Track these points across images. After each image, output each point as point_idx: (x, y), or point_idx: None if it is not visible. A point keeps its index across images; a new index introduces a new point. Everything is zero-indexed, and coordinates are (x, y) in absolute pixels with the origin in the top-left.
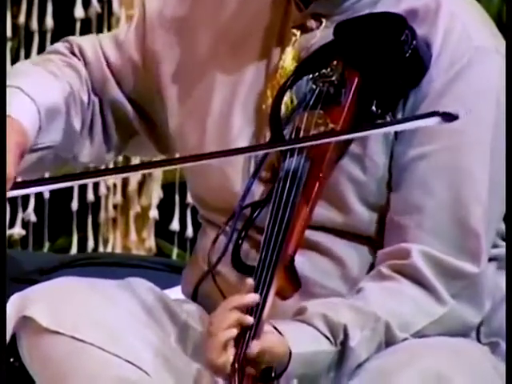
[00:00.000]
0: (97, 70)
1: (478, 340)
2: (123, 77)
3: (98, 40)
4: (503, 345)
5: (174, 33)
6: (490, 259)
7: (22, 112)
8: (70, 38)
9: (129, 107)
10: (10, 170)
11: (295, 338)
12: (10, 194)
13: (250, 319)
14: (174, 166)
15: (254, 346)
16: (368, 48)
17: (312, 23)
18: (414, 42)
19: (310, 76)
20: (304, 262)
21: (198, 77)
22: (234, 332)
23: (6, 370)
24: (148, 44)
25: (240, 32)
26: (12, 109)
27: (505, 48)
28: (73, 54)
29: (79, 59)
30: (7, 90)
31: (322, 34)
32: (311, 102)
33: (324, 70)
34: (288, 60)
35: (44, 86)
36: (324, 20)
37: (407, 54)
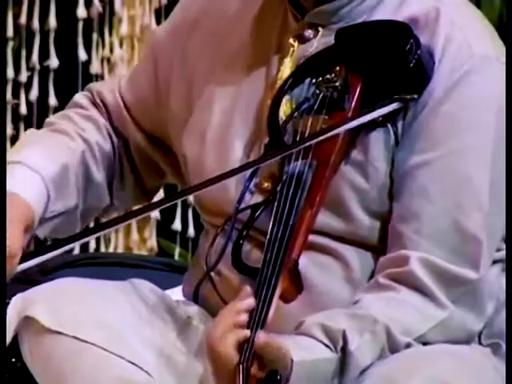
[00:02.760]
0: (117, 115)
1: (480, 341)
2: (141, 117)
3: (118, 83)
4: (505, 346)
5: (178, 55)
6: (495, 262)
7: (24, 186)
8: (92, 85)
9: (151, 146)
10: (15, 245)
11: (295, 348)
12: (23, 265)
13: (245, 317)
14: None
15: (261, 337)
16: (373, 55)
17: (309, 33)
18: (419, 52)
19: (314, 81)
20: (307, 262)
21: (199, 91)
22: (247, 333)
23: (8, 370)
24: (158, 74)
25: (239, 43)
26: (14, 184)
27: (505, 54)
28: (93, 103)
29: (99, 108)
30: (8, 166)
31: (320, 42)
32: (316, 107)
33: (328, 76)
34: (286, 70)
35: (49, 154)
36: (321, 29)
37: (411, 64)
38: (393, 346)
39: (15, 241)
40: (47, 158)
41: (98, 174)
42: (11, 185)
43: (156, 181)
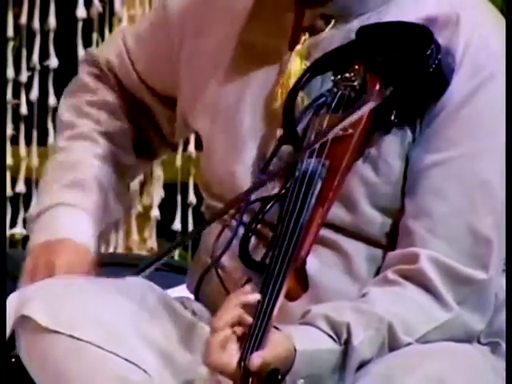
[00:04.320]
0: (126, 79)
1: (478, 340)
2: (150, 78)
3: (124, 42)
4: (504, 345)
5: (190, 30)
6: None
7: (73, 229)
8: (96, 55)
9: (163, 106)
10: None
11: (299, 337)
12: None
13: (249, 319)
14: None
15: (255, 359)
16: (393, 57)
17: (321, 24)
18: (439, 57)
19: (332, 78)
20: (311, 257)
21: (210, 73)
22: (229, 332)
23: (8, 369)
24: (169, 41)
25: (253, 30)
26: (63, 228)
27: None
28: (101, 77)
29: (108, 80)
30: (50, 211)
31: (330, 33)
32: (333, 106)
33: (347, 74)
34: (296, 58)
35: (84, 183)
36: (332, 20)
37: (431, 69)
38: (393, 344)
39: None
40: (82, 188)
41: (129, 157)
42: (60, 230)
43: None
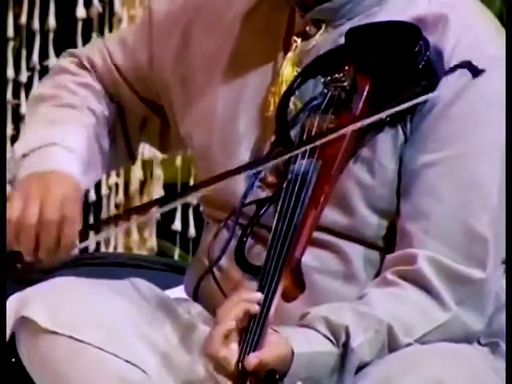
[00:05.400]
0: (108, 78)
1: (478, 341)
2: (134, 80)
3: (105, 46)
4: (503, 345)
5: (178, 37)
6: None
7: (68, 166)
8: (76, 51)
9: (145, 107)
10: (76, 214)
11: (297, 340)
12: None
13: (256, 307)
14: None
15: (252, 359)
16: (382, 56)
17: (312, 29)
18: (428, 53)
19: (322, 79)
20: (308, 259)
21: (203, 81)
22: (233, 324)
23: (8, 370)
24: (154, 48)
25: (246, 37)
26: (60, 165)
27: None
28: (82, 67)
29: (90, 71)
30: (45, 148)
31: (321, 38)
32: (323, 106)
33: (336, 75)
34: (288, 65)
35: (75, 133)
36: (323, 25)
37: (420, 66)
38: (393, 346)
39: (76, 213)
40: (75, 137)
41: (106, 144)
42: (54, 164)
43: (140, 143)
